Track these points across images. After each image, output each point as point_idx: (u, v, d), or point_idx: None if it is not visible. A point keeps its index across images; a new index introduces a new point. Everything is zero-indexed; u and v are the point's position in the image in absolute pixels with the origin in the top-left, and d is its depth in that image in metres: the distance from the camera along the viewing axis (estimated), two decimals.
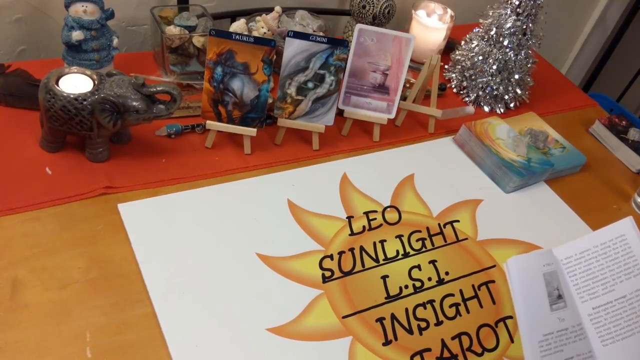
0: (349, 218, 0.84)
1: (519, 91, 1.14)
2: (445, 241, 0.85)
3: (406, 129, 1.03)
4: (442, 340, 0.72)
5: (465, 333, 0.74)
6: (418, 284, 0.78)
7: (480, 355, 0.72)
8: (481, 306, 0.77)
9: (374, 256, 0.80)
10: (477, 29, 1.13)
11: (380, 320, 0.73)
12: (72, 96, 0.75)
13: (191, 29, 0.98)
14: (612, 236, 0.65)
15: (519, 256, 0.69)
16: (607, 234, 0.66)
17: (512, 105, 1.15)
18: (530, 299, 0.66)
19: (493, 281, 0.80)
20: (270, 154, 0.91)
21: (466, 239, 0.86)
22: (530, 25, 1.07)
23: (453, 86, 1.17)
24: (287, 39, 0.87)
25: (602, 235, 0.66)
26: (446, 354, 0.71)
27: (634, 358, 0.61)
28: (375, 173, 0.93)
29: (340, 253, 0.79)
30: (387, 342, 0.71)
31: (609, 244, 0.65)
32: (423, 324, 0.73)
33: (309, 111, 0.91)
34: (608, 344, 0.62)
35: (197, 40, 0.97)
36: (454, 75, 1.17)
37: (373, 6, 1.09)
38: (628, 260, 0.63)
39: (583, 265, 0.66)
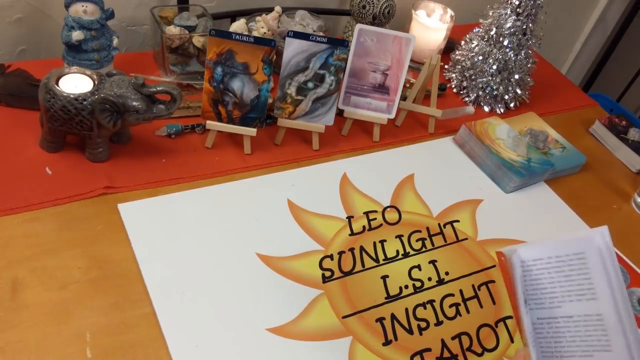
0: (349, 218, 0.84)
1: (519, 91, 1.14)
2: (445, 241, 0.85)
3: (406, 129, 1.03)
4: (442, 340, 0.72)
5: (465, 333, 0.74)
6: (418, 284, 0.78)
7: (480, 355, 0.72)
8: (481, 306, 0.77)
9: (374, 256, 0.80)
10: (477, 29, 1.13)
11: (380, 320, 0.73)
12: (72, 96, 0.75)
13: (191, 29, 0.98)
14: (569, 251, 0.60)
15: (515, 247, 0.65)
16: (565, 247, 0.60)
17: (512, 105, 1.15)
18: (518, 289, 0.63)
19: (493, 281, 0.80)
20: (270, 154, 0.91)
21: (466, 239, 0.86)
22: (530, 25, 1.07)
23: (453, 86, 1.17)
24: (287, 39, 0.87)
25: (560, 247, 0.60)
26: (446, 354, 0.71)
27: None
28: (375, 173, 0.93)
29: (340, 253, 0.79)
30: (387, 342, 0.71)
31: (565, 259, 0.59)
32: (423, 324, 0.73)
33: (309, 111, 0.91)
34: (547, 356, 0.59)
35: (197, 40, 0.97)
36: (454, 75, 1.17)
37: (373, 6, 1.09)
38: (582, 282, 0.58)
39: (534, 274, 0.61)
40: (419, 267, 0.80)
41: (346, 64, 0.91)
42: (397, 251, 0.82)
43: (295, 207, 0.84)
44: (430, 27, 1.16)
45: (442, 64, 1.17)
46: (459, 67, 1.16)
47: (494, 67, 1.10)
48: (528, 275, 0.61)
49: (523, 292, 0.61)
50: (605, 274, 0.56)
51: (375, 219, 0.85)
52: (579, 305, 0.57)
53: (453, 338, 0.73)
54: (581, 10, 1.77)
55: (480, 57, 1.11)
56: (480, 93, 1.13)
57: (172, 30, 0.95)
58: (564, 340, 0.58)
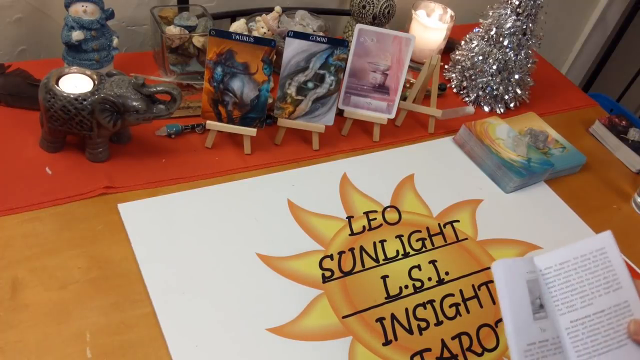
0: (349, 218, 0.84)
1: (519, 91, 1.14)
2: (445, 241, 0.85)
3: (406, 129, 1.03)
4: (442, 340, 0.72)
5: (465, 333, 0.74)
6: (418, 284, 0.78)
7: (480, 355, 0.72)
8: (481, 306, 0.77)
9: (374, 256, 0.80)
10: (477, 29, 1.13)
11: (380, 320, 0.73)
12: (72, 96, 0.75)
13: (191, 29, 0.98)
14: (592, 248, 0.64)
15: (504, 260, 0.68)
16: (587, 246, 0.65)
17: (512, 105, 1.15)
18: (516, 305, 0.65)
19: (493, 281, 0.80)
20: (270, 154, 0.91)
21: (466, 239, 0.86)
22: (530, 25, 1.07)
23: (453, 86, 1.17)
24: (287, 39, 0.87)
25: (582, 247, 0.65)
26: (446, 354, 0.71)
27: None
28: (375, 173, 0.93)
29: (340, 253, 0.79)
30: (387, 342, 0.71)
31: (589, 256, 0.63)
32: (423, 324, 0.73)
33: (309, 111, 0.91)
34: (585, 359, 0.61)
35: (197, 40, 0.97)
36: (454, 75, 1.17)
37: (373, 6, 1.09)
38: (607, 274, 0.62)
39: (562, 277, 0.64)
40: (419, 267, 0.80)
41: (346, 64, 0.91)
42: (397, 251, 0.82)
43: (295, 207, 0.84)
44: (430, 27, 1.16)
45: (442, 64, 1.17)
46: (459, 67, 1.16)
47: (494, 67, 1.10)
48: (556, 280, 0.64)
49: (549, 299, 0.63)
50: (623, 263, 0.61)
51: (375, 219, 0.85)
52: (607, 297, 0.60)
53: (453, 338, 0.73)
54: (581, 10, 1.77)
55: (480, 57, 1.11)
56: (480, 93, 1.13)
57: (172, 30, 0.95)
58: (599, 336, 0.60)
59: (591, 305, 0.61)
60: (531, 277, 0.65)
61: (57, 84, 0.77)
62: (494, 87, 1.12)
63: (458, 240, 0.85)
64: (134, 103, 0.77)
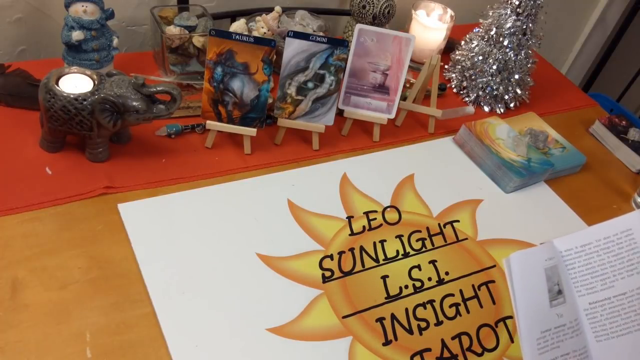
0: (349, 218, 0.84)
1: (519, 91, 1.14)
2: (445, 241, 0.85)
3: (406, 129, 1.03)
4: (442, 340, 0.72)
5: (465, 333, 0.74)
6: (418, 284, 0.78)
7: (480, 355, 0.72)
8: (481, 306, 0.77)
9: (374, 256, 0.80)
10: (477, 29, 1.13)
11: (380, 320, 0.73)
12: (72, 96, 0.75)
13: (191, 29, 0.98)
14: (617, 230, 0.62)
15: (521, 252, 0.67)
16: (612, 227, 0.63)
17: (512, 105, 1.15)
18: (531, 295, 0.64)
19: (493, 281, 0.80)
20: (270, 154, 0.91)
21: (466, 239, 0.86)
22: (530, 25, 1.07)
23: (453, 86, 1.17)
24: (287, 39, 0.87)
25: (606, 229, 0.63)
26: (446, 354, 0.71)
27: (628, 357, 0.59)
28: (375, 173, 0.93)
29: (340, 253, 0.79)
30: (387, 342, 0.71)
31: (613, 239, 0.62)
32: (423, 324, 0.73)
33: (309, 111, 0.91)
34: (602, 340, 0.60)
35: (197, 40, 0.97)
36: (454, 75, 1.17)
37: (373, 6, 1.09)
38: (632, 257, 0.60)
39: (583, 259, 0.63)
40: (419, 267, 0.80)
41: (346, 64, 0.91)
42: (397, 251, 0.82)
43: (295, 207, 0.84)
44: (430, 27, 1.16)
45: (442, 64, 1.17)
46: (459, 67, 1.16)
47: (494, 67, 1.10)
48: (576, 262, 0.63)
49: (568, 281, 0.62)
50: None
51: (375, 219, 0.85)
52: (631, 280, 0.59)
53: (453, 338, 0.73)
54: (581, 10, 1.77)
55: (480, 57, 1.11)
56: (480, 93, 1.13)
57: (172, 30, 0.95)
58: (619, 318, 0.59)
59: (612, 287, 0.60)
60: (550, 264, 0.64)
61: (57, 84, 0.77)
62: (494, 87, 1.12)
63: (458, 240, 0.85)
64: (134, 103, 0.77)
